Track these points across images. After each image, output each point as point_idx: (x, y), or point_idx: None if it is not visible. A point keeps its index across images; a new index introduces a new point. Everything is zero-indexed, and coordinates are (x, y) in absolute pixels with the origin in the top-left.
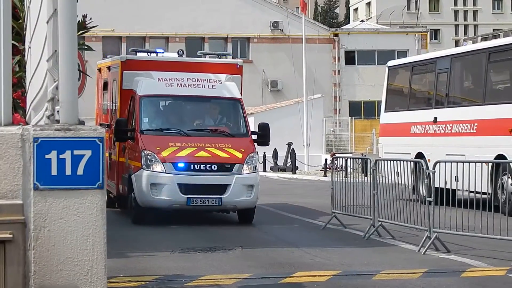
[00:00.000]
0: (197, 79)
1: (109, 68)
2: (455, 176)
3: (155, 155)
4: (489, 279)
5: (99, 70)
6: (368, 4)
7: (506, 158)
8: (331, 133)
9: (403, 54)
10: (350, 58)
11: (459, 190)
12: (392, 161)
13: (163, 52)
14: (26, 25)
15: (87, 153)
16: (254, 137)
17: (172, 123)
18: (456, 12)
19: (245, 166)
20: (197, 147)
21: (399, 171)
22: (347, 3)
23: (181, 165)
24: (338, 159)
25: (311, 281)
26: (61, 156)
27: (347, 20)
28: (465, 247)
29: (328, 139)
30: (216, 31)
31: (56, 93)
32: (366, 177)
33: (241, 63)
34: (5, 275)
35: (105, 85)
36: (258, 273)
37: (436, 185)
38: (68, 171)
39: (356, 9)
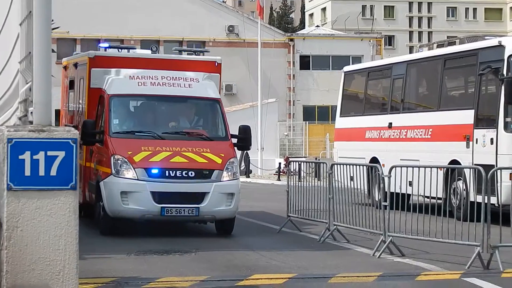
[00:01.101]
0: (173, 77)
1: (75, 65)
2: (409, 181)
3: (126, 160)
4: (443, 283)
5: (65, 67)
6: (324, 9)
7: (460, 164)
8: (285, 137)
9: (357, 59)
10: (305, 63)
11: (413, 195)
12: (347, 166)
13: (135, 48)
14: None
15: (61, 154)
16: (234, 140)
17: (145, 125)
18: (410, 18)
19: (224, 173)
20: (172, 151)
21: (353, 175)
22: (303, 8)
23: (154, 171)
24: (292, 163)
25: (267, 283)
26: (34, 157)
27: (302, 25)
28: (419, 251)
29: (282, 143)
30: (172, 34)
31: (29, 95)
32: (319, 181)
33: (219, 60)
34: None
35: (71, 84)
36: (215, 276)
37: (391, 190)
38: (42, 172)
39: (311, 15)
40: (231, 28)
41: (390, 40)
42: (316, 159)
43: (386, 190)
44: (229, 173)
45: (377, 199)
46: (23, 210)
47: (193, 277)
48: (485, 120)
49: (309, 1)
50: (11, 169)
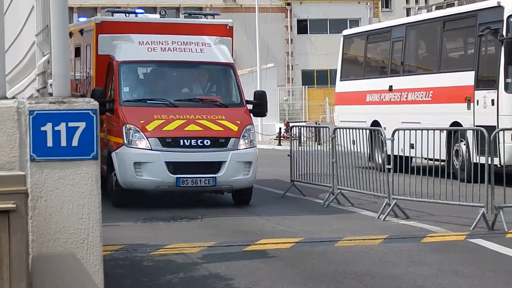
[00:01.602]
0: (183, 42)
1: (81, 31)
2: (411, 144)
3: (138, 130)
4: (449, 244)
5: (70, 34)
6: None
7: (461, 125)
8: (284, 102)
9: (355, 22)
10: (302, 27)
11: (415, 157)
12: (349, 130)
13: (143, 13)
14: None
15: (82, 125)
16: (249, 107)
17: (157, 93)
18: None
19: (241, 141)
20: (186, 119)
21: (355, 139)
22: None
23: (168, 140)
24: (294, 127)
25: (274, 248)
26: (56, 128)
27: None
28: (424, 213)
29: (282, 108)
30: (168, 1)
31: (47, 67)
32: (320, 146)
33: (231, 23)
34: (10, 243)
35: (77, 51)
36: (222, 242)
37: (389, 152)
38: (63, 143)
39: None
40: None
41: (387, 2)
42: (316, 123)
43: (389, 153)
44: (246, 141)
45: (379, 162)
46: (46, 181)
47: (201, 243)
48: (485, 81)
49: None
50: (34, 141)
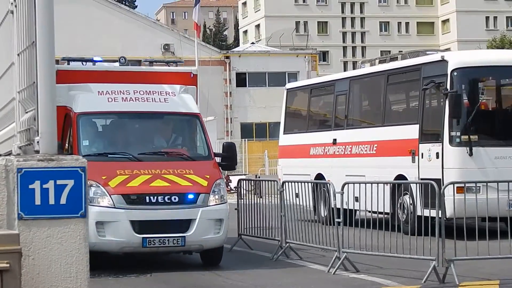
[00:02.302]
0: (146, 91)
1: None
2: (356, 197)
3: (100, 186)
4: None
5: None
6: (258, 26)
7: (406, 179)
8: None
9: (293, 75)
10: (241, 80)
11: (359, 210)
12: (296, 183)
13: (101, 61)
14: None
15: (70, 183)
16: (217, 160)
17: (119, 146)
18: (344, 34)
19: (211, 196)
20: (151, 174)
21: (298, 192)
22: (236, 25)
23: (133, 197)
24: (243, 181)
25: None
26: (44, 186)
27: (236, 42)
28: (373, 266)
29: None
30: (107, 53)
31: (33, 124)
32: (261, 199)
33: (195, 71)
34: None
35: None
36: None
37: (338, 205)
38: (52, 201)
39: (245, 32)
40: (166, 47)
41: (324, 55)
42: (256, 176)
43: (339, 206)
44: (217, 197)
45: (323, 215)
46: (34, 239)
47: None
48: (430, 135)
49: (243, 18)
50: (22, 199)
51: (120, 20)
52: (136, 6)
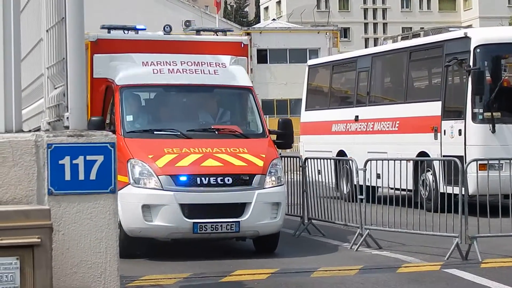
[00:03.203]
0: (195, 62)
1: None
2: (378, 174)
3: (147, 166)
4: (425, 275)
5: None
6: (279, 2)
7: (428, 156)
8: None
9: (314, 52)
10: (262, 56)
11: (381, 187)
12: (319, 160)
13: (144, 29)
14: None
15: (100, 158)
16: (273, 137)
17: (166, 122)
18: (365, 10)
19: (268, 178)
20: (202, 153)
21: (320, 169)
22: (257, 2)
23: (183, 178)
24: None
25: (251, 279)
26: (74, 162)
27: (257, 19)
28: (396, 243)
29: None
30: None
31: (62, 100)
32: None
33: (246, 41)
34: (34, 278)
35: None
36: (198, 273)
37: (361, 182)
38: (81, 176)
39: (266, 8)
40: (188, 23)
41: (345, 32)
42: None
43: (361, 183)
44: (273, 178)
45: (345, 192)
46: (64, 214)
47: (176, 274)
48: (452, 112)
49: None
50: (52, 174)
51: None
52: None
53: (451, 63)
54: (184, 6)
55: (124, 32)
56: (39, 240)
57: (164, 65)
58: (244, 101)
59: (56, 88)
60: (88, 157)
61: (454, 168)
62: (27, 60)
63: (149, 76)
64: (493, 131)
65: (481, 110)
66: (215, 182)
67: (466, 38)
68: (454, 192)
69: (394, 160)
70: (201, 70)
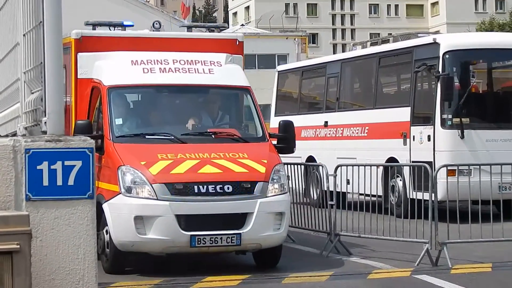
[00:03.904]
0: (188, 61)
1: None
2: (347, 179)
3: (139, 173)
4: (395, 281)
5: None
6: (247, 8)
7: (397, 161)
8: None
9: (283, 58)
10: None
11: (351, 193)
12: (286, 165)
13: (132, 25)
14: None
15: (78, 164)
16: (273, 141)
17: (158, 125)
18: (333, 16)
19: (270, 185)
20: (199, 159)
21: (289, 174)
22: (226, 7)
23: (179, 187)
24: None
25: (222, 285)
26: (52, 167)
27: (226, 24)
28: (365, 249)
29: None
30: None
31: (40, 104)
32: None
33: (241, 38)
34: (13, 285)
35: None
36: (168, 279)
37: (331, 188)
38: (59, 182)
39: (235, 13)
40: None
41: (314, 38)
42: None
43: (332, 189)
44: (276, 186)
45: (314, 198)
46: (42, 220)
47: (148, 280)
48: (421, 117)
49: (232, 0)
50: (30, 180)
51: (111, 3)
52: None
53: (420, 69)
54: (153, 10)
55: (110, 29)
56: (18, 246)
57: (155, 64)
58: (242, 102)
59: (33, 93)
60: (66, 162)
61: (423, 174)
62: (1, 64)
63: (139, 75)
64: (462, 136)
65: (450, 116)
66: (214, 191)
67: (435, 44)
68: (424, 198)
69: (364, 166)
70: (195, 69)
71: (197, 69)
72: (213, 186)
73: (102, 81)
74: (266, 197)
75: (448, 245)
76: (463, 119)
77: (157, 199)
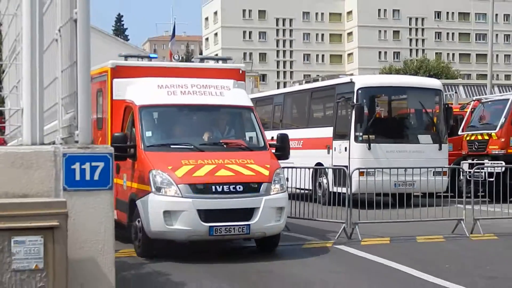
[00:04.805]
0: (203, 85)
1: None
2: (287, 177)
3: (167, 176)
4: (321, 249)
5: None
6: (216, 55)
7: (323, 165)
8: None
9: None
10: None
11: (289, 187)
12: None
13: (156, 57)
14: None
15: (101, 165)
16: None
17: (181, 137)
18: (278, 62)
19: (273, 186)
20: (215, 164)
21: None
22: (201, 54)
23: (200, 187)
24: None
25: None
26: (82, 167)
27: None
28: (300, 227)
29: None
30: None
31: (73, 122)
32: None
33: (243, 68)
34: (54, 252)
35: None
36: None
37: None
38: (88, 177)
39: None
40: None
41: (264, 77)
42: None
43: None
44: (277, 186)
45: None
46: (74, 205)
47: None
48: (341, 134)
49: (206, 49)
50: (66, 176)
51: (116, 49)
52: (129, 39)
53: (340, 100)
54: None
55: (138, 59)
56: (58, 223)
57: (176, 87)
58: (247, 119)
59: (68, 113)
60: (93, 164)
61: (342, 174)
62: (46, 91)
63: (164, 97)
64: (369, 148)
65: (360, 134)
66: (227, 190)
67: (352, 83)
68: (342, 191)
69: (300, 168)
70: (208, 92)
71: (210, 92)
72: (227, 186)
73: (134, 101)
74: (270, 195)
75: (359, 225)
76: (370, 136)
77: (182, 197)
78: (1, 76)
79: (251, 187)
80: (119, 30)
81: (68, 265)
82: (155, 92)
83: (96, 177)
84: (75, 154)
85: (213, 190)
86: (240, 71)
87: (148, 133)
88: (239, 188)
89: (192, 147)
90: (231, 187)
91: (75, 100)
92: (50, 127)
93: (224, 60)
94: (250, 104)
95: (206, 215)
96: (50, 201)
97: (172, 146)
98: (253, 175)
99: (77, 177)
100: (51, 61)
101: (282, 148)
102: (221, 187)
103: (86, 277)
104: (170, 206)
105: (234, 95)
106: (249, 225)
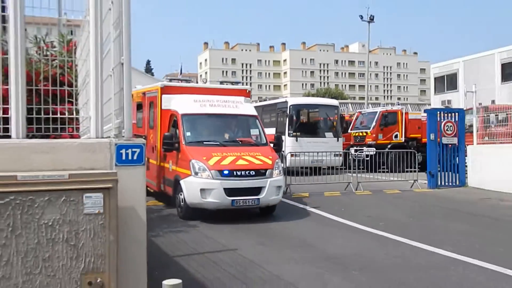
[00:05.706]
0: (224, 100)
1: (144, 94)
2: None
3: (202, 164)
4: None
5: (131, 96)
6: (206, 73)
7: None
8: None
9: None
10: None
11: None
12: None
13: (191, 80)
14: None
15: (137, 150)
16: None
17: (210, 136)
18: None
19: (274, 171)
20: (235, 156)
21: None
22: (196, 79)
23: (225, 172)
24: None
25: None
26: (126, 151)
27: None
28: None
29: None
30: None
31: (122, 125)
32: None
33: (249, 88)
34: (110, 204)
35: (138, 107)
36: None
37: None
38: (130, 157)
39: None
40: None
41: None
42: None
43: None
44: (277, 171)
45: None
46: (121, 175)
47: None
48: (280, 132)
49: (200, 69)
50: (117, 157)
51: (145, 81)
52: (153, 74)
53: (279, 112)
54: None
55: (179, 82)
56: (112, 185)
57: (206, 101)
58: (253, 123)
59: (117, 120)
60: (133, 149)
61: (281, 156)
62: (105, 106)
63: (198, 108)
64: (296, 140)
65: (291, 132)
66: (244, 174)
67: (286, 102)
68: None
69: None
70: (228, 105)
71: (229, 105)
72: (244, 171)
73: (177, 111)
74: (272, 177)
75: (291, 186)
76: (297, 133)
77: (213, 179)
78: (77, 97)
79: (260, 172)
80: (148, 69)
81: (118, 210)
82: (191, 104)
83: (135, 157)
84: (122, 144)
85: (235, 174)
86: (247, 91)
87: (188, 133)
88: (252, 173)
89: (218, 143)
90: (247, 172)
91: (122, 112)
92: (107, 128)
93: (236, 83)
94: (255, 113)
95: (229, 191)
96: (107, 172)
97: (204, 143)
98: (261, 163)
99: (123, 158)
100: (107, 88)
101: (277, 145)
102: (240, 172)
103: (128, 217)
104: (204, 185)
105: (245, 107)
106: (258, 198)
